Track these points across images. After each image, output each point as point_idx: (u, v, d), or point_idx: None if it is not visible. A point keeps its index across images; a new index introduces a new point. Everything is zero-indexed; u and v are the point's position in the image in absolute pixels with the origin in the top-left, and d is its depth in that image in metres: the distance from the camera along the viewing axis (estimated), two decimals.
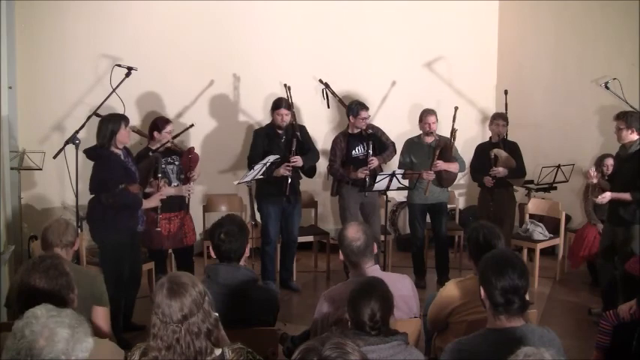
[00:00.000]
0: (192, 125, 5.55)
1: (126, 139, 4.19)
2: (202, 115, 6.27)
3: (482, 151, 5.61)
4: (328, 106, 6.35)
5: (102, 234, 4.20)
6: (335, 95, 6.33)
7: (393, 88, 6.79)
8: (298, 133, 5.25)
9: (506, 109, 6.11)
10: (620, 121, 4.52)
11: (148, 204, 4.32)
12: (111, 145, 4.09)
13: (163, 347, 1.86)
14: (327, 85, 6.28)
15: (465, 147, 6.11)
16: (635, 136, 4.50)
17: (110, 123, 4.09)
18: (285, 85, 5.55)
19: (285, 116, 5.20)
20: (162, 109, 6.06)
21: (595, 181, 4.85)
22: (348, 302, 2.36)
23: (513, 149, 5.52)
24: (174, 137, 4.95)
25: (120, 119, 4.14)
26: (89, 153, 4.16)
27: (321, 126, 6.58)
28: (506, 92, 6.29)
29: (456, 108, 5.46)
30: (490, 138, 5.64)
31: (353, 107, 5.39)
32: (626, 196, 4.45)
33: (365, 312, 2.27)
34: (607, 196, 4.53)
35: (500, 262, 2.25)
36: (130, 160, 4.27)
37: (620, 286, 4.15)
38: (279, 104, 5.23)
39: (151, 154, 4.63)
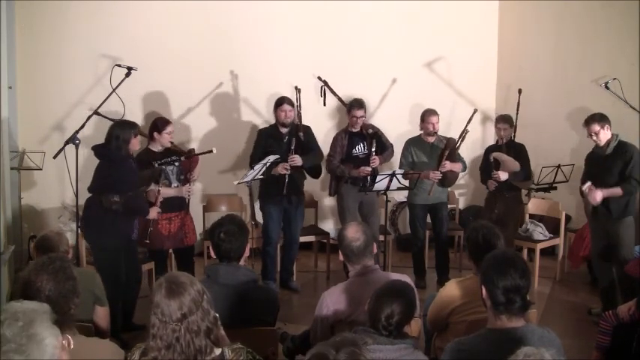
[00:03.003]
0: (211, 151, 4.85)
1: (136, 146, 4.21)
2: (202, 115, 6.28)
3: (487, 153, 5.57)
4: (324, 104, 6.34)
5: (97, 237, 4.18)
6: (334, 93, 6.33)
7: (394, 88, 6.78)
8: (301, 134, 5.25)
9: (517, 109, 6.02)
10: (594, 125, 4.48)
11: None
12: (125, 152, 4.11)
13: (163, 347, 1.86)
14: (325, 83, 6.28)
15: (466, 147, 6.09)
16: (609, 133, 4.51)
17: (121, 133, 4.05)
18: (295, 88, 5.56)
19: (288, 112, 5.20)
20: (162, 109, 6.05)
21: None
22: (372, 296, 2.39)
23: (519, 151, 5.43)
24: (194, 154, 4.86)
25: (130, 129, 4.10)
26: (99, 151, 4.12)
27: (321, 125, 6.57)
28: (519, 91, 6.11)
29: (475, 110, 5.46)
30: (497, 140, 5.62)
31: (348, 105, 5.46)
32: (617, 190, 4.40)
33: (384, 311, 2.30)
34: (599, 195, 4.44)
35: (503, 262, 2.25)
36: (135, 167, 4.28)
37: (620, 287, 4.15)
38: (281, 101, 5.25)
39: (157, 165, 4.60)
